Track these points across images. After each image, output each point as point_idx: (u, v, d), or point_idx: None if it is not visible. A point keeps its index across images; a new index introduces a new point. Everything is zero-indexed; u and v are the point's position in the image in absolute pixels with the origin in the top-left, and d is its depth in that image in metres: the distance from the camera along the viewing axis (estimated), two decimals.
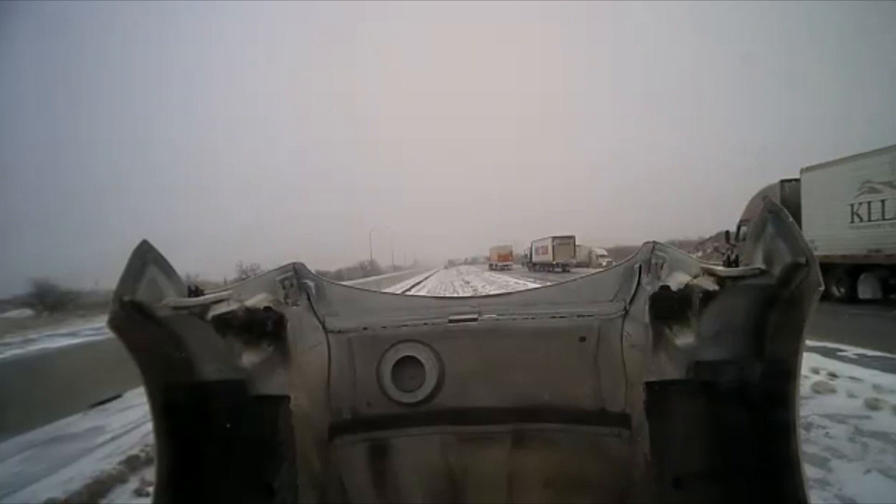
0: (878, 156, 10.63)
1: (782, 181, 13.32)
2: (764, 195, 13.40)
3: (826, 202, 11.84)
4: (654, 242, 1.67)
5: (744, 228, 14.04)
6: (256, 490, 1.27)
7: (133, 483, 3.60)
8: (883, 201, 10.34)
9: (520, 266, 54.46)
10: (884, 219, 10.33)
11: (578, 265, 41.69)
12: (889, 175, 10.23)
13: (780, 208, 1.03)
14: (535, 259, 46.69)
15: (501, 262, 56.78)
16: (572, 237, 41.68)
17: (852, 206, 11.05)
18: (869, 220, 10.69)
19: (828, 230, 11.48)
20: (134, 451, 4.10)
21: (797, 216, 12.00)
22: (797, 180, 12.82)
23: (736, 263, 1.13)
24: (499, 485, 1.74)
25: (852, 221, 11.06)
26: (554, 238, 41.44)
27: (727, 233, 15.45)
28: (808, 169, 12.44)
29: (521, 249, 57.04)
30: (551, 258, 41.28)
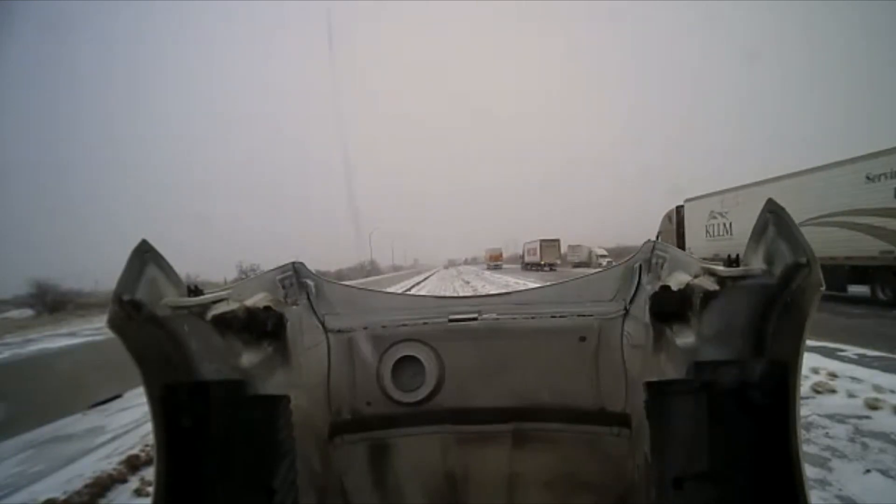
0: (717, 195, 16.96)
1: (677, 206, 19.41)
2: (668, 215, 20.05)
3: (696, 222, 18.26)
4: (655, 242, 1.66)
5: (660, 238, 19.67)
6: (256, 490, 1.27)
7: (133, 483, 3.60)
8: (719, 224, 16.84)
9: (517, 266, 57.65)
10: (717, 235, 16.92)
11: (578, 265, 43.17)
12: (720, 208, 16.74)
13: (780, 208, 1.02)
14: (526, 259, 51.05)
15: (493, 261, 63.92)
16: (557, 240, 46.39)
17: (706, 226, 17.58)
18: (714, 236, 17.11)
19: (697, 241, 17.90)
20: (134, 451, 4.10)
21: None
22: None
23: (737, 263, 1.12)
24: (499, 485, 1.73)
25: (706, 235, 17.47)
26: (542, 241, 45.89)
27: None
28: (688, 199, 19.00)
29: (519, 249, 60.73)
30: (539, 258, 45.30)
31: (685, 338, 1.26)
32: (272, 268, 1.68)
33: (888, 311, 10.54)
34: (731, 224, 16.21)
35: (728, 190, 16.48)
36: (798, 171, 13.52)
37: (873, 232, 11.14)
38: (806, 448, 3.39)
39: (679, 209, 19.37)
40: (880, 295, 11.46)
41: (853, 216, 11.61)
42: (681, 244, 18.44)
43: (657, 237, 21.99)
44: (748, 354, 1.12)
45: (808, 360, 5.68)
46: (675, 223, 19.29)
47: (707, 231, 17.49)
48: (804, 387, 4.64)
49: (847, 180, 11.80)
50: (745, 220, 14.82)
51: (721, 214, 16.67)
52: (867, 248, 11.23)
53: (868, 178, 11.27)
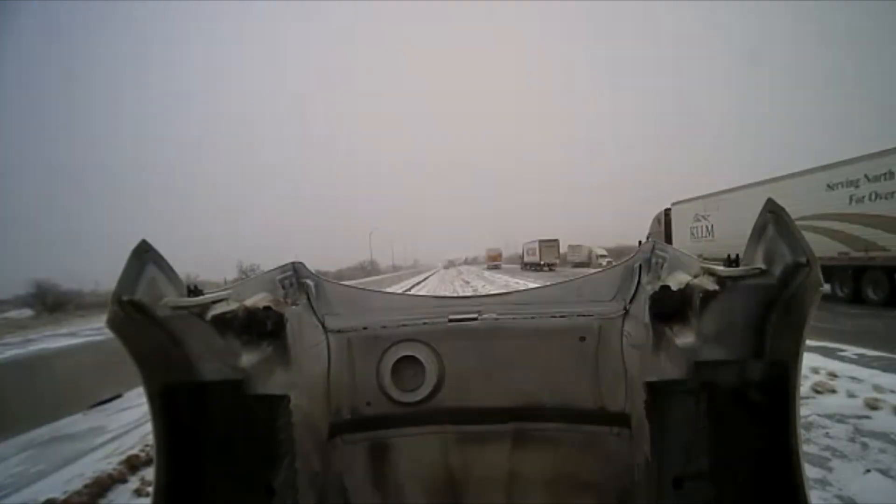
0: (700, 199, 18.10)
1: (665, 209, 20.37)
2: (658, 217, 20.84)
3: (682, 224, 19.26)
4: (655, 241, 1.66)
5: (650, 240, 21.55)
6: (256, 490, 1.27)
7: (133, 483, 3.60)
8: (702, 227, 17.89)
9: (516, 266, 59.30)
10: (700, 237, 17.90)
11: (578, 265, 43.42)
12: (703, 211, 17.82)
13: (780, 208, 1.02)
14: (525, 259, 52.11)
15: (492, 262, 66.22)
16: (556, 240, 47.25)
17: (691, 228, 18.57)
18: (698, 237, 18.03)
19: (682, 242, 18.42)
20: (134, 451, 4.10)
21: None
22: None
23: (737, 263, 1.12)
24: (499, 484, 1.73)
25: (691, 237, 18.39)
26: (541, 241, 46.76)
27: (640, 242, 20.67)
28: (675, 203, 19.97)
29: (519, 250, 61.90)
30: (539, 259, 46.13)
31: (685, 338, 1.26)
32: (272, 268, 1.68)
33: (845, 307, 11.66)
34: (712, 226, 17.18)
35: (710, 194, 17.57)
36: (770, 178, 14.60)
37: (833, 235, 12.25)
38: (806, 448, 3.39)
39: (667, 212, 20.25)
40: (839, 293, 12.52)
41: (817, 220, 12.54)
42: None
43: (647, 238, 22.51)
44: (748, 354, 1.12)
45: (808, 360, 5.68)
46: (664, 225, 20.08)
47: (692, 233, 18.44)
48: (804, 387, 4.64)
49: (811, 187, 12.81)
50: (724, 223, 16.21)
51: (704, 217, 17.73)
52: (828, 249, 12.15)
53: (828, 186, 12.39)
